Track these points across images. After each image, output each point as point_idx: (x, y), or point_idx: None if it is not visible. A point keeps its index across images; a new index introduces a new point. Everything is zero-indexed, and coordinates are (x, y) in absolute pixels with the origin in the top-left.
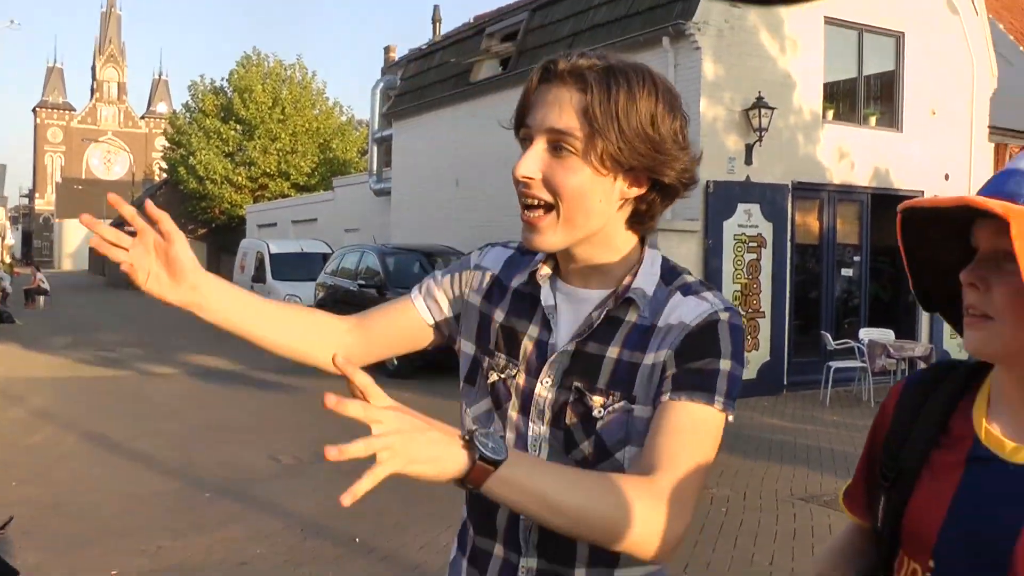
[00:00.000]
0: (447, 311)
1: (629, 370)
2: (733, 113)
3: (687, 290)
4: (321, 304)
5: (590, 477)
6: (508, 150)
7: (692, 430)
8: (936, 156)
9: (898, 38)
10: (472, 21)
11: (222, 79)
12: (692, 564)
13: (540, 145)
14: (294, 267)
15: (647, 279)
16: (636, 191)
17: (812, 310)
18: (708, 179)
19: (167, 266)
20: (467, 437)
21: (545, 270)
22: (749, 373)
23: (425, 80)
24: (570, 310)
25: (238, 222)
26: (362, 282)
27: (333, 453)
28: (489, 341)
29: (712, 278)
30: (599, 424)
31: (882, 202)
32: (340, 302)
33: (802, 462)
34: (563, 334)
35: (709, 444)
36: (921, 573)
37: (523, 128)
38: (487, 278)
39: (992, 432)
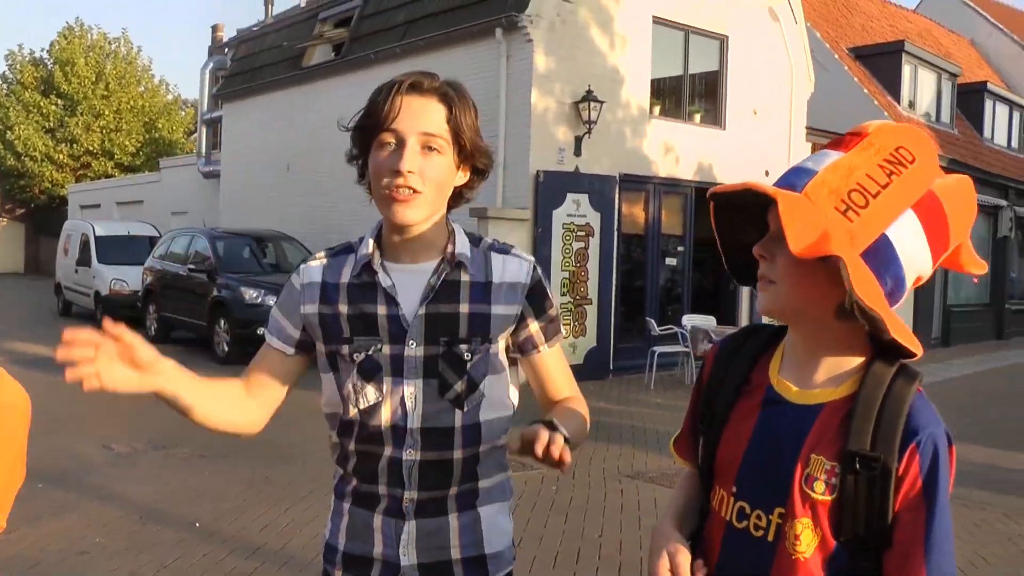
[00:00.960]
0: (296, 332)
1: (482, 319)
2: (563, 105)
3: (498, 249)
4: (148, 290)
5: (569, 408)
6: (340, 136)
7: (563, 360)
8: (757, 153)
9: (722, 40)
10: (304, 5)
11: (42, 50)
12: (526, 539)
13: (415, 145)
14: (121, 250)
15: (463, 246)
16: (464, 178)
17: (637, 297)
18: (539, 169)
19: (134, 366)
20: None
21: (377, 258)
22: (576, 359)
23: (256, 62)
24: (407, 283)
25: (59, 202)
26: (192, 266)
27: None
28: (342, 333)
29: (542, 265)
30: (468, 365)
31: (705, 195)
32: (169, 287)
33: (628, 442)
34: (410, 304)
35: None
36: (727, 498)
37: (387, 132)
38: (315, 288)
39: (782, 381)
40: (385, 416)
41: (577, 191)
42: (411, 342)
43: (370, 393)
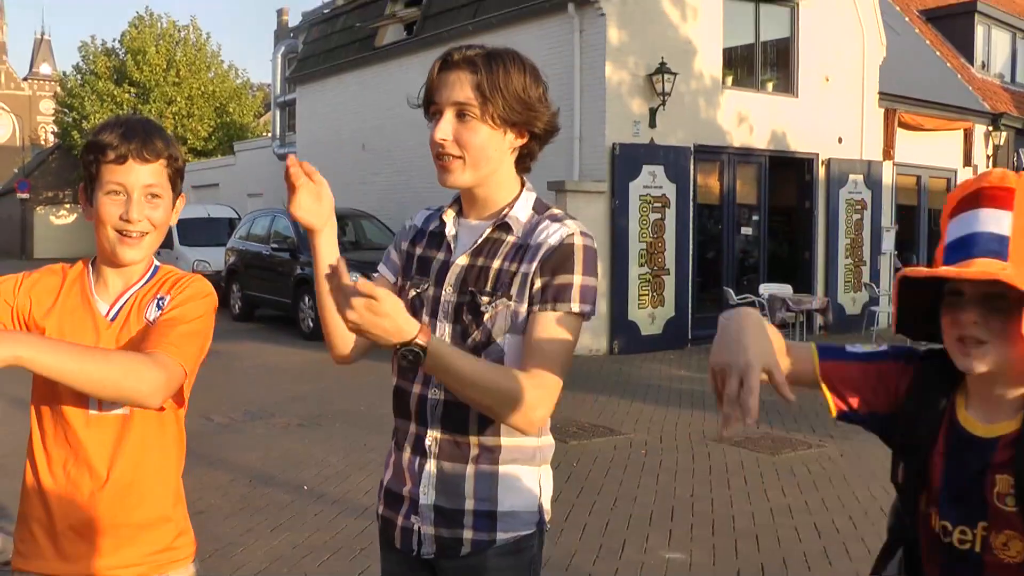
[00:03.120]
0: (399, 263)
1: (509, 277)
2: (637, 78)
3: (555, 219)
4: (232, 270)
5: (495, 365)
6: (414, 114)
7: (557, 331)
8: (830, 120)
9: (793, 7)
10: None
11: (114, 40)
12: (620, 500)
13: (449, 115)
14: (201, 233)
15: (521, 210)
16: (520, 141)
17: (714, 267)
18: (614, 141)
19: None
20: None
21: (450, 212)
22: (655, 328)
23: (329, 44)
24: (466, 236)
25: None
26: (275, 246)
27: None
28: (411, 271)
29: (619, 237)
30: (485, 317)
31: (779, 164)
32: (251, 266)
33: (711, 408)
34: (459, 253)
35: (571, 338)
36: (934, 516)
37: (432, 105)
38: (412, 231)
39: (968, 418)
40: None
41: (652, 163)
42: (448, 288)
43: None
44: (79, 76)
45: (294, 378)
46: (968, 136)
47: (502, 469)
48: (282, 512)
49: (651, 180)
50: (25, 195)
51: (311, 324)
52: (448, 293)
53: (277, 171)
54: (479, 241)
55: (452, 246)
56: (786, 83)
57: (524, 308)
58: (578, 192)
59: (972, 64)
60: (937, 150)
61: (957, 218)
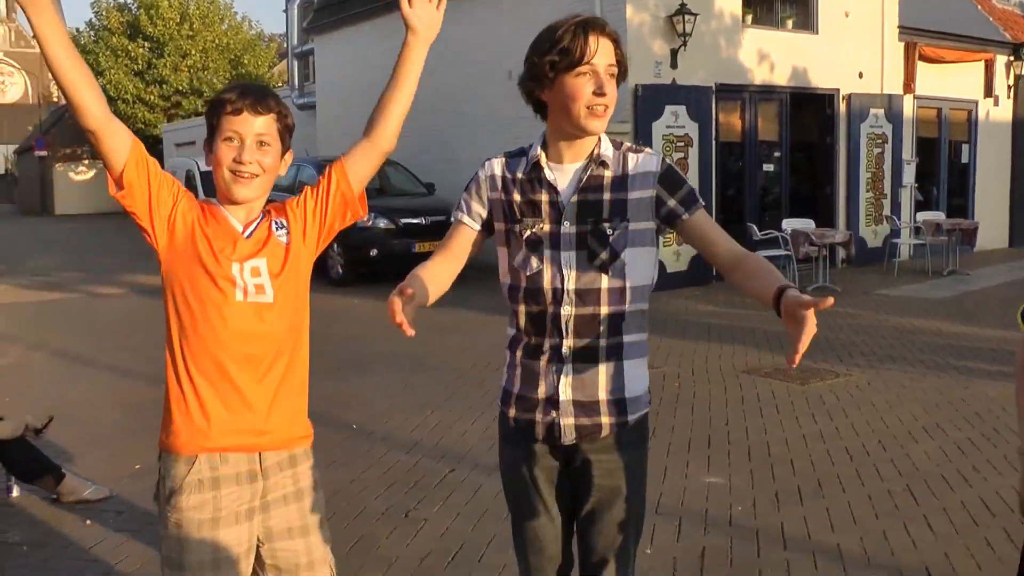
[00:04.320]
0: (484, 213)
1: (620, 204)
2: (658, 19)
3: (633, 150)
4: None
5: (759, 262)
6: (433, 62)
7: (711, 221)
8: (850, 56)
9: None
10: None
11: None
12: (659, 430)
13: (605, 71)
14: None
15: (607, 149)
16: None
17: (737, 204)
18: (636, 83)
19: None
20: None
21: (543, 159)
22: (681, 265)
23: None
24: (563, 178)
25: (153, 142)
26: None
27: None
28: (515, 215)
29: None
30: (611, 238)
31: (800, 100)
32: None
33: (739, 342)
34: (566, 193)
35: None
36: None
37: (586, 64)
38: (497, 180)
39: None
40: (547, 279)
41: (675, 103)
42: (566, 222)
43: (534, 262)
44: (92, 32)
45: (327, 323)
46: (989, 67)
47: (626, 363)
48: (334, 450)
49: (674, 120)
50: (43, 152)
51: (340, 271)
52: (567, 226)
53: (297, 121)
54: (584, 179)
55: (555, 187)
56: (805, 19)
57: (643, 224)
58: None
59: None
60: (958, 82)
61: None
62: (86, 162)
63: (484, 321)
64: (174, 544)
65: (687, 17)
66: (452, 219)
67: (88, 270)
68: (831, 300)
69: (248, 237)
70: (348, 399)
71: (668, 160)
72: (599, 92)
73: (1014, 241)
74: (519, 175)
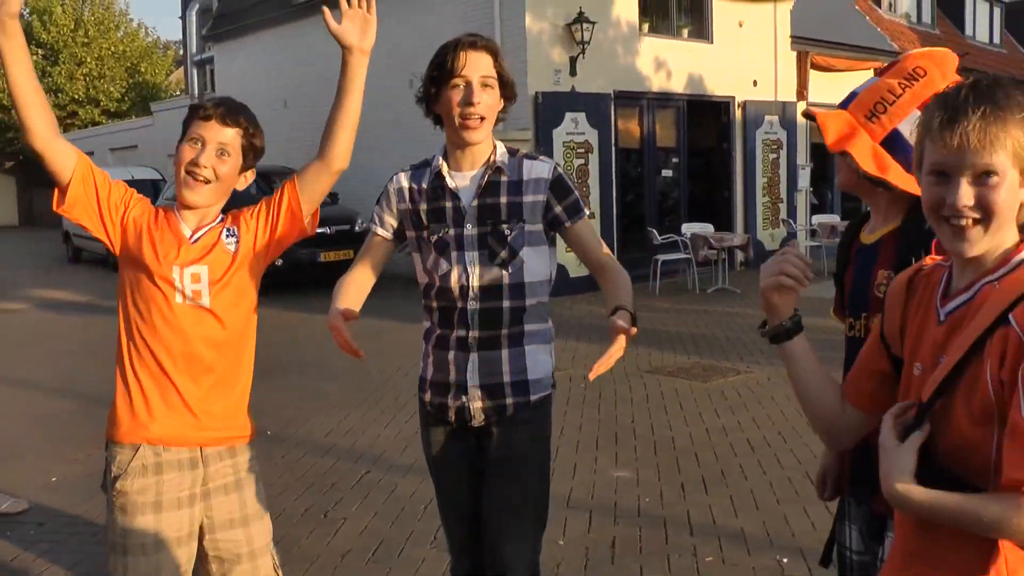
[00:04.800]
0: (395, 223)
1: (516, 207)
2: (557, 28)
3: (529, 157)
4: None
5: (615, 283)
6: (334, 71)
7: (591, 231)
8: (744, 64)
9: None
10: None
11: None
12: (567, 429)
13: (477, 83)
14: None
15: (502, 156)
16: (501, 103)
17: (637, 209)
18: (536, 90)
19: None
20: None
21: (445, 167)
22: (582, 271)
23: (244, 2)
24: (464, 184)
25: None
26: None
27: None
28: (422, 223)
29: None
30: (509, 238)
31: (696, 108)
32: None
33: (643, 343)
34: (467, 198)
35: (597, 233)
36: (846, 321)
37: (457, 77)
38: (404, 192)
39: (863, 234)
40: (454, 278)
41: (574, 110)
42: (468, 225)
43: (443, 264)
44: None
45: None
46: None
47: (527, 348)
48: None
49: (574, 127)
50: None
51: None
52: (469, 229)
53: None
54: (482, 185)
55: (457, 194)
56: (701, 29)
57: (537, 226)
58: (503, 140)
59: (880, 6)
60: (849, 89)
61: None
62: None
63: (394, 328)
64: (118, 528)
65: (585, 25)
66: (368, 230)
67: None
68: (634, 330)
69: (194, 243)
70: (261, 406)
71: (560, 169)
72: (467, 102)
73: None
74: (423, 185)
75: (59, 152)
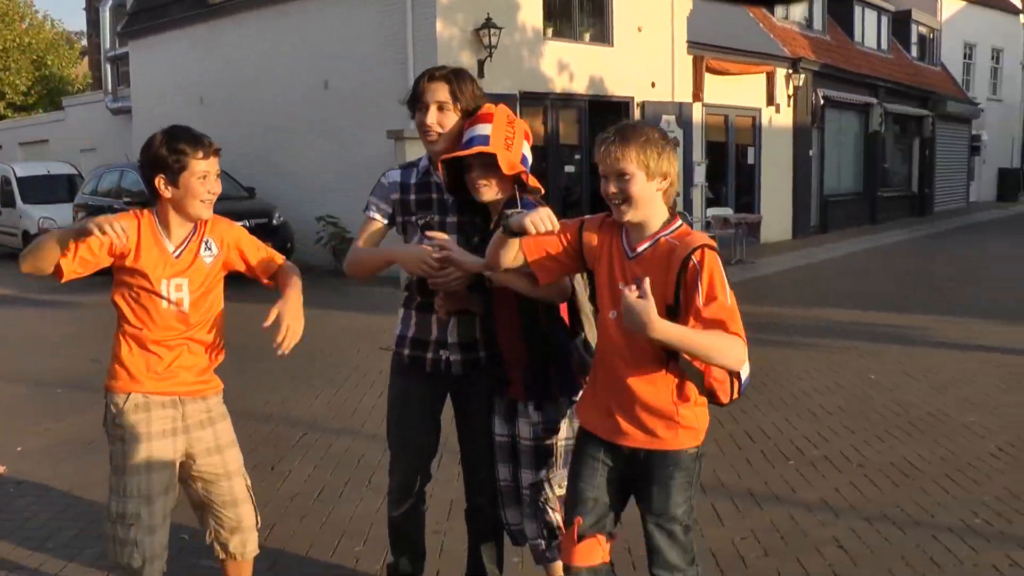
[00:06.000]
0: (389, 209)
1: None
2: (466, 33)
3: None
4: None
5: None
6: (251, 69)
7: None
8: (643, 67)
9: None
10: None
11: None
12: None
13: (433, 108)
14: (43, 190)
15: None
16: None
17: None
18: None
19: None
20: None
21: (432, 167)
22: None
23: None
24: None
25: None
26: (128, 199)
27: None
28: (411, 210)
29: None
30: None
31: (598, 107)
32: None
33: None
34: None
35: None
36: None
37: (420, 102)
38: (396, 185)
39: None
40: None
41: None
42: (450, 214)
43: (427, 244)
44: None
45: None
46: (770, 79)
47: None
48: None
49: None
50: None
51: None
52: (451, 217)
53: (111, 126)
54: None
55: (442, 187)
56: (602, 33)
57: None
58: (415, 139)
59: (773, 14)
60: (743, 92)
61: (469, 128)
62: None
63: (320, 315)
64: (119, 452)
65: (492, 30)
66: (364, 215)
67: None
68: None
69: (177, 258)
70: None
71: None
72: (421, 121)
73: (796, 233)
74: (412, 181)
75: (62, 267)
